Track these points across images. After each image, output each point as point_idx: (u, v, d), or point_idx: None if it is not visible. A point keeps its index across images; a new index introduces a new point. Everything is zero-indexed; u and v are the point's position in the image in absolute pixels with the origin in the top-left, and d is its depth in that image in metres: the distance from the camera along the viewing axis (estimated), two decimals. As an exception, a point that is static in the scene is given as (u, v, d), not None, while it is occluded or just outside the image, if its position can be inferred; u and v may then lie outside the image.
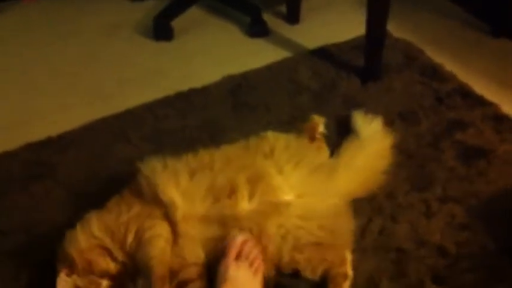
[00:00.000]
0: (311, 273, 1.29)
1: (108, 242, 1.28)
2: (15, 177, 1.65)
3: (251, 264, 1.26)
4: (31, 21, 2.46)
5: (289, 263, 1.28)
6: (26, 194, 1.60)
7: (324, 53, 2.07)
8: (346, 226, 1.34)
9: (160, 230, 1.28)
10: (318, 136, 1.56)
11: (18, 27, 2.42)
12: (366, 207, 1.46)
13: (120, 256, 1.27)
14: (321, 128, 1.58)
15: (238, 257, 1.26)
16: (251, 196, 1.31)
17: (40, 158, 1.71)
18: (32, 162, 1.70)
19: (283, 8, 2.35)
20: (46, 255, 1.32)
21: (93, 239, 1.28)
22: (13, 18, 2.48)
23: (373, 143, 1.52)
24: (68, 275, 1.27)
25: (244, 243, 1.27)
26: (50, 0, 2.59)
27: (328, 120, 1.66)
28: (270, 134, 1.49)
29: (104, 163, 1.69)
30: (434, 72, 1.92)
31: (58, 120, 1.87)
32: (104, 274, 1.26)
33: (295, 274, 1.30)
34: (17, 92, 2.05)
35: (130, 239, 1.28)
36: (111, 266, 1.27)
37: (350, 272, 1.29)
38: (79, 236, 1.29)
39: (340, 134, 1.66)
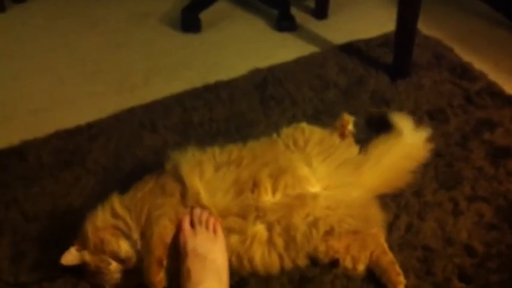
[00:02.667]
0: (351, 262, 1.30)
1: (127, 220, 1.30)
2: (45, 164, 1.68)
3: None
4: (59, 10, 2.48)
5: (326, 252, 1.30)
6: (55, 181, 1.63)
7: (352, 49, 2.06)
8: (376, 216, 1.35)
9: (168, 209, 1.29)
10: (347, 133, 1.56)
11: (47, 15, 2.44)
12: (392, 204, 1.46)
13: (136, 236, 1.29)
14: (351, 126, 1.58)
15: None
16: (274, 190, 1.32)
17: (69, 145, 1.73)
18: (61, 150, 1.72)
19: (311, 3, 2.34)
20: (72, 242, 1.34)
21: (111, 218, 1.31)
22: (42, 7, 2.50)
23: (405, 144, 1.51)
24: (78, 250, 1.30)
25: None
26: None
27: (356, 117, 1.65)
28: (306, 127, 1.50)
29: (131, 152, 1.70)
30: (464, 71, 1.91)
31: (86, 109, 1.90)
32: (114, 256, 1.28)
33: (334, 263, 1.31)
34: (45, 80, 2.07)
35: (144, 216, 1.30)
36: (123, 249, 1.28)
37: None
38: (98, 214, 1.32)
39: (369, 131, 1.66)
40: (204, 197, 1.31)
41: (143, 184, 1.37)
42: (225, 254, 1.26)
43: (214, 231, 1.27)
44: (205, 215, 1.29)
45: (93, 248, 1.29)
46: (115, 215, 1.32)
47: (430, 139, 1.56)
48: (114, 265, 1.29)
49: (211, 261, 1.22)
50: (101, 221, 1.31)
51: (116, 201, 1.33)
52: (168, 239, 1.27)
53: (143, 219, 1.29)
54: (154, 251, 1.24)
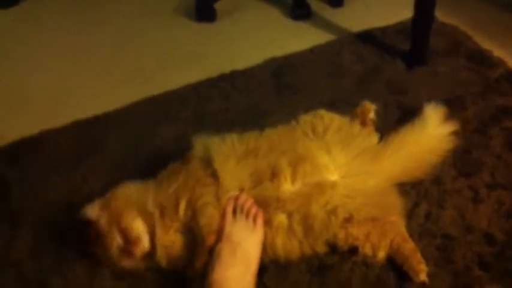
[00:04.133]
0: (371, 249, 1.29)
1: (155, 217, 1.30)
2: (63, 154, 1.69)
3: (247, 215, 1.27)
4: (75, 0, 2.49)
5: (345, 239, 1.29)
6: (73, 170, 1.64)
7: (367, 37, 2.05)
8: (395, 204, 1.34)
9: (209, 198, 1.30)
10: (368, 122, 1.55)
11: (63, 7, 2.45)
12: (411, 192, 1.45)
13: (157, 230, 1.29)
14: (372, 115, 1.57)
15: (234, 212, 1.28)
16: (293, 179, 1.31)
17: (87, 135, 1.74)
18: (79, 139, 1.73)
19: (326, -9, 2.33)
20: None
21: (142, 204, 1.31)
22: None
23: (428, 136, 1.48)
24: (100, 208, 1.31)
25: (237, 198, 1.30)
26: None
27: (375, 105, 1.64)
28: (325, 114, 1.49)
29: (147, 141, 1.71)
30: (482, 58, 1.88)
31: (102, 99, 1.91)
32: (124, 233, 1.28)
33: (353, 250, 1.30)
34: (61, 70, 2.09)
35: (182, 207, 1.30)
36: (135, 229, 1.28)
37: None
38: (133, 189, 1.35)
39: (386, 119, 1.65)
40: (230, 187, 1.31)
41: (173, 176, 1.35)
42: (258, 246, 1.26)
43: (255, 221, 1.28)
44: (248, 204, 1.29)
45: (113, 212, 1.30)
46: (144, 210, 1.31)
47: (454, 133, 1.53)
48: (117, 242, 1.29)
49: (242, 250, 1.23)
50: (135, 196, 1.33)
51: (151, 194, 1.33)
52: (216, 226, 1.28)
53: (182, 210, 1.30)
54: (206, 240, 1.25)
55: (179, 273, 1.29)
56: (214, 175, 1.32)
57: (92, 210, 1.32)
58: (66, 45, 2.21)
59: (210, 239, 1.26)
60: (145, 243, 1.29)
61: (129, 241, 1.29)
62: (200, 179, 1.32)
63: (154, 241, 1.29)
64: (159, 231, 1.30)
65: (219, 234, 1.27)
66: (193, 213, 1.29)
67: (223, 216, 1.29)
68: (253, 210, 1.29)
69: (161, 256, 1.31)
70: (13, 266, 1.39)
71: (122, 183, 1.39)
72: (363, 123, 1.54)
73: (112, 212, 1.31)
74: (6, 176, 1.63)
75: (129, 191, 1.35)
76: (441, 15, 2.02)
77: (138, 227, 1.29)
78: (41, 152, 1.70)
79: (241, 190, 1.32)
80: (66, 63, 2.12)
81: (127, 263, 1.30)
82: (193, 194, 1.30)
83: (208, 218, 1.28)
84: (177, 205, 1.30)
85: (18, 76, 2.07)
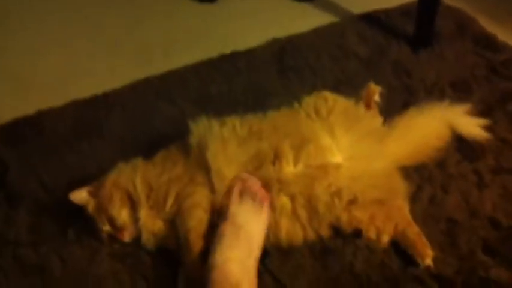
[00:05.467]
0: (375, 233, 1.28)
1: (142, 197, 1.30)
2: (61, 134, 1.67)
3: (254, 198, 1.25)
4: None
5: (349, 222, 1.27)
6: (72, 151, 1.62)
7: (372, 19, 2.01)
8: (400, 187, 1.33)
9: (200, 198, 1.28)
10: (372, 104, 1.52)
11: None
12: (415, 175, 1.42)
13: (142, 213, 1.29)
14: (377, 97, 1.54)
15: (240, 193, 1.26)
16: (296, 161, 1.30)
17: (86, 115, 1.72)
18: (78, 120, 1.71)
19: (330, -28, 2.29)
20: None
21: (131, 185, 1.31)
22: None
23: (434, 120, 1.47)
24: (90, 194, 1.33)
25: (245, 179, 1.27)
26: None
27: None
28: (329, 95, 1.46)
29: (148, 122, 1.69)
30: (488, 42, 1.85)
31: (103, 79, 1.88)
32: (110, 220, 1.30)
33: (357, 233, 1.29)
34: (61, 51, 2.05)
35: (170, 201, 1.29)
36: (121, 218, 1.30)
37: None
38: (125, 172, 1.34)
39: (390, 102, 1.61)
40: (227, 173, 1.29)
41: (169, 163, 1.34)
42: (263, 231, 1.24)
43: (262, 204, 1.26)
44: (255, 187, 1.27)
45: (100, 200, 1.30)
46: (133, 186, 1.31)
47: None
48: (107, 228, 1.31)
49: (246, 232, 1.21)
50: (123, 179, 1.32)
51: (140, 172, 1.33)
52: (204, 230, 1.26)
53: (169, 204, 1.29)
54: (194, 247, 1.23)
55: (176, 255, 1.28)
56: (207, 167, 1.30)
57: (79, 196, 1.33)
58: (66, 26, 2.18)
59: (198, 245, 1.23)
60: (132, 231, 1.31)
61: (116, 228, 1.31)
62: (194, 176, 1.30)
63: (140, 226, 1.30)
64: (145, 217, 1.30)
65: (223, 213, 1.25)
66: (181, 212, 1.27)
67: (229, 195, 1.27)
68: (261, 193, 1.26)
69: (148, 240, 1.31)
70: (10, 248, 1.37)
71: (117, 165, 1.38)
72: (368, 106, 1.51)
73: (99, 199, 1.31)
74: (3, 157, 1.61)
75: (120, 174, 1.35)
76: (447, -3, 1.99)
77: (124, 217, 1.30)
78: (39, 133, 1.67)
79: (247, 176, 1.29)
80: (65, 43, 2.09)
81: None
82: (184, 191, 1.29)
83: (197, 220, 1.26)
84: (165, 198, 1.29)
85: (17, 56, 2.05)
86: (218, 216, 1.27)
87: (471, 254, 1.26)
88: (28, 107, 1.75)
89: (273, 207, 1.27)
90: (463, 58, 1.81)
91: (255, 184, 1.27)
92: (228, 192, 1.28)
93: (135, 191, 1.31)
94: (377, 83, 1.61)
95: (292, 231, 1.27)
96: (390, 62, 1.81)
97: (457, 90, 1.68)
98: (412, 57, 1.82)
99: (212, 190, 1.29)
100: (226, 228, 1.21)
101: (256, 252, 1.21)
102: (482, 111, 1.59)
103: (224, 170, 1.29)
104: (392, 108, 1.57)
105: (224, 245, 1.18)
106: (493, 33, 1.89)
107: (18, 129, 1.69)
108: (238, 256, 1.17)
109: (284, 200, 1.27)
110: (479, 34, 1.90)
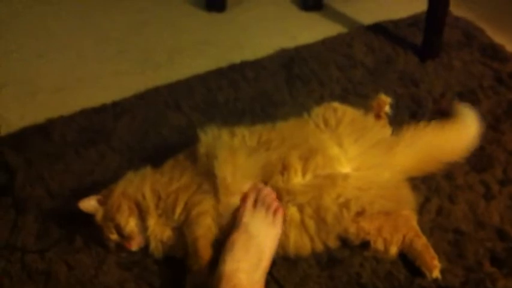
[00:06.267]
0: (383, 244, 1.27)
1: (151, 205, 1.30)
2: (70, 142, 1.67)
3: (268, 209, 1.25)
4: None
5: (357, 233, 1.27)
6: (80, 158, 1.62)
7: (379, 29, 2.02)
8: (408, 198, 1.32)
9: (208, 206, 1.28)
10: (382, 115, 1.53)
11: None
12: (423, 186, 1.43)
13: (150, 222, 1.29)
14: (387, 108, 1.55)
15: (254, 203, 1.26)
16: (304, 172, 1.30)
17: (94, 124, 1.73)
18: (87, 128, 1.71)
19: (338, -18, 2.30)
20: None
21: (139, 194, 1.31)
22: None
23: (447, 134, 1.46)
24: (99, 202, 1.33)
25: (260, 189, 1.27)
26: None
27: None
28: (339, 106, 1.46)
29: (156, 131, 1.69)
30: (495, 52, 1.86)
31: (111, 87, 1.89)
32: (118, 229, 1.30)
33: (365, 245, 1.29)
34: (69, 58, 2.06)
35: (179, 210, 1.29)
36: (128, 227, 1.30)
37: None
38: (134, 181, 1.34)
39: (397, 112, 1.62)
40: (234, 183, 1.29)
41: (177, 172, 1.34)
42: (274, 242, 1.24)
43: (275, 216, 1.25)
44: (270, 198, 1.27)
45: (109, 208, 1.30)
46: (142, 195, 1.32)
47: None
48: (114, 236, 1.31)
49: (257, 244, 1.21)
50: (132, 188, 1.33)
51: (148, 182, 1.33)
52: (213, 238, 1.26)
53: (177, 212, 1.29)
54: (202, 256, 1.23)
55: (184, 264, 1.28)
56: (214, 179, 1.29)
57: (88, 205, 1.33)
58: (74, 34, 2.19)
59: (206, 254, 1.23)
60: (139, 240, 1.31)
61: (124, 237, 1.31)
62: (201, 184, 1.30)
63: (149, 235, 1.30)
64: (153, 226, 1.30)
65: (236, 222, 1.25)
66: (189, 220, 1.27)
67: (242, 204, 1.27)
68: (275, 204, 1.26)
69: (156, 248, 1.31)
70: (18, 255, 1.37)
71: (125, 174, 1.38)
72: (378, 116, 1.51)
73: (108, 207, 1.31)
74: (11, 163, 1.61)
75: (129, 183, 1.35)
76: (454, 8, 1.99)
77: (131, 225, 1.30)
78: (48, 140, 1.68)
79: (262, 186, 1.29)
80: (74, 52, 2.09)
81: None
82: (192, 199, 1.29)
83: (205, 228, 1.26)
84: (174, 206, 1.29)
85: (27, 64, 2.05)
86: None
87: (478, 265, 1.26)
88: (36, 114, 1.76)
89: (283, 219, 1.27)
90: (471, 68, 1.81)
91: (269, 195, 1.27)
92: (243, 200, 1.28)
93: (144, 200, 1.31)
94: (384, 93, 1.62)
95: (300, 242, 1.27)
96: (398, 72, 1.82)
97: (464, 101, 1.68)
98: (419, 68, 1.82)
99: (218, 199, 1.29)
100: (238, 238, 1.21)
101: (265, 263, 1.21)
102: (489, 123, 1.60)
103: (230, 179, 1.29)
104: (400, 119, 1.58)
105: (234, 254, 1.18)
106: (501, 44, 1.90)
107: (27, 137, 1.69)
108: (248, 267, 1.17)
109: (292, 211, 1.27)
110: (486, 45, 1.90)
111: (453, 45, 1.90)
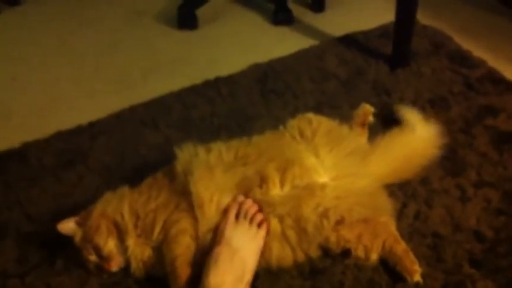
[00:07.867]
0: (363, 251, 1.29)
1: (129, 226, 1.30)
2: (47, 165, 1.67)
3: (251, 222, 1.26)
4: (55, 10, 2.47)
5: (337, 242, 1.28)
6: (58, 181, 1.62)
7: (350, 41, 2.06)
8: (385, 205, 1.34)
9: (186, 225, 1.28)
10: (366, 124, 1.55)
11: (42, 17, 2.43)
12: (399, 193, 1.45)
13: (130, 242, 1.29)
14: (371, 117, 1.58)
15: (237, 216, 1.27)
16: (282, 183, 1.31)
17: (71, 145, 1.72)
18: (63, 150, 1.71)
19: (308, -3, 2.34)
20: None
21: (118, 215, 1.31)
22: (36, 9, 2.49)
23: (416, 138, 1.49)
24: (78, 224, 1.33)
25: (242, 202, 1.28)
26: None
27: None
28: (313, 117, 1.48)
29: (133, 150, 1.69)
30: (463, 59, 1.90)
31: (86, 108, 1.89)
32: (97, 250, 1.29)
33: (346, 253, 1.30)
34: (43, 80, 2.06)
35: (158, 229, 1.29)
36: (107, 248, 1.29)
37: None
38: (113, 202, 1.34)
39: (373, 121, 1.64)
40: (209, 199, 1.29)
41: (155, 191, 1.34)
42: (256, 255, 1.25)
43: (259, 228, 1.26)
44: (253, 210, 1.28)
45: (87, 230, 1.30)
46: (121, 216, 1.31)
47: (439, 134, 1.53)
48: (93, 258, 1.31)
49: (240, 258, 1.21)
50: (111, 209, 1.32)
51: (126, 201, 1.33)
52: (191, 256, 1.26)
53: (156, 232, 1.29)
54: (181, 275, 1.23)
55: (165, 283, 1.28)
56: (188, 191, 1.30)
57: (66, 227, 1.32)
58: (46, 57, 2.19)
59: (185, 272, 1.23)
60: (119, 260, 1.31)
61: (103, 258, 1.30)
62: (179, 203, 1.31)
63: (128, 255, 1.30)
64: (133, 246, 1.30)
65: (218, 236, 1.25)
66: (168, 239, 1.27)
67: (225, 218, 1.27)
68: (259, 217, 1.27)
69: (137, 268, 1.31)
70: (-1, 279, 1.36)
71: (104, 195, 1.38)
72: (362, 125, 1.55)
73: (87, 229, 1.31)
74: (-13, 189, 1.60)
75: (107, 203, 1.34)
76: (422, 17, 2.04)
77: (110, 246, 1.30)
78: (24, 164, 1.67)
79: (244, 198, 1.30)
80: (48, 74, 2.09)
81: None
82: (170, 218, 1.29)
83: (184, 247, 1.26)
84: (153, 225, 1.29)
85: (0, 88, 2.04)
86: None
87: (457, 267, 1.29)
88: (11, 137, 1.75)
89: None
90: (440, 75, 1.85)
91: (252, 207, 1.28)
92: (224, 214, 1.28)
93: (122, 220, 1.31)
94: (357, 103, 1.65)
95: (282, 253, 1.28)
96: (370, 82, 1.85)
97: (435, 107, 1.72)
98: (390, 77, 1.86)
99: (194, 216, 1.29)
100: (221, 251, 1.21)
101: (248, 276, 1.22)
102: (461, 127, 1.63)
103: (206, 196, 1.29)
104: (374, 127, 1.60)
105: (219, 268, 1.18)
106: (468, 50, 1.94)
107: (3, 161, 1.68)
108: (232, 280, 1.17)
109: (273, 222, 1.28)
110: (454, 51, 1.95)
111: (422, 53, 1.94)
